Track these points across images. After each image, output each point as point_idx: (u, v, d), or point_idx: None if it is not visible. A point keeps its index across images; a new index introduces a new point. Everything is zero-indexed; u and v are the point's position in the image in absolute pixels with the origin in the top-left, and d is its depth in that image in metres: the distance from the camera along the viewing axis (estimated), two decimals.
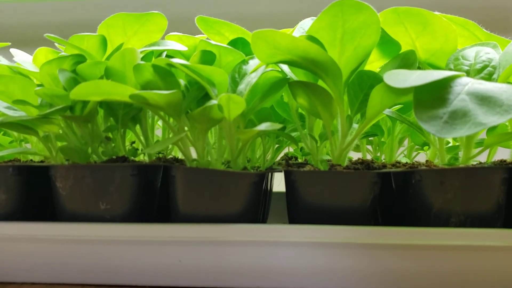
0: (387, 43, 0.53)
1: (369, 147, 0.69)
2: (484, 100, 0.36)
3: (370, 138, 0.67)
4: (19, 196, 0.52)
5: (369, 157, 0.69)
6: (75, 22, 1.17)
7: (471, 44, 0.52)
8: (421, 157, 0.68)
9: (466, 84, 0.38)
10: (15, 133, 0.63)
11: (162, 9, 0.56)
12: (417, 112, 0.37)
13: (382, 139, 0.66)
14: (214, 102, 0.44)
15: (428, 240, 0.44)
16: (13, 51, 0.60)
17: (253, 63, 0.52)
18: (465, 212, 0.46)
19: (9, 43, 0.63)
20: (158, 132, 0.63)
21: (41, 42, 0.59)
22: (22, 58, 0.58)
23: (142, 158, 0.59)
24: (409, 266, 0.45)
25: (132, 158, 0.54)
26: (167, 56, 0.53)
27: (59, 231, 0.48)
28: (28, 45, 0.79)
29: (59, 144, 0.54)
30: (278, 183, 0.70)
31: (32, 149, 0.58)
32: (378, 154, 0.67)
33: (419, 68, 0.51)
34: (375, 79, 0.49)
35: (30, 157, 0.63)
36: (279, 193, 0.72)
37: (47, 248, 0.48)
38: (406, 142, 0.69)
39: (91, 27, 0.57)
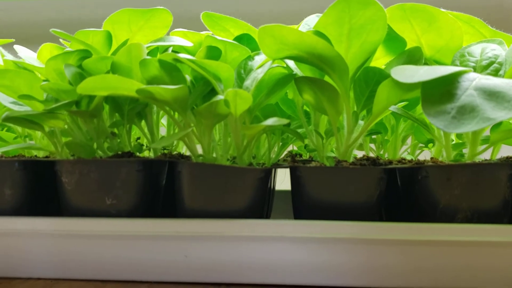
0: (392, 39, 0.53)
1: (372, 145, 0.69)
2: (492, 95, 0.36)
3: (373, 136, 0.67)
4: (24, 191, 0.52)
5: (372, 155, 0.68)
6: (78, 20, 1.17)
7: (476, 41, 0.52)
8: (424, 156, 0.68)
9: (474, 80, 0.38)
10: (19, 129, 0.62)
11: (166, 7, 0.55)
12: (425, 107, 0.37)
13: (386, 137, 0.66)
14: (220, 97, 0.44)
15: (434, 236, 0.44)
16: (16, 47, 0.60)
17: (259, 59, 0.52)
18: (471, 208, 0.46)
19: (13, 40, 0.63)
20: (162, 132, 0.63)
21: (44, 40, 0.59)
22: (26, 54, 0.58)
23: (148, 154, 0.59)
24: (414, 262, 0.45)
25: (138, 153, 0.54)
26: (172, 52, 0.53)
27: (65, 226, 0.48)
28: (31, 42, 0.79)
29: (64, 139, 0.54)
30: (281, 181, 0.70)
31: (37, 144, 0.58)
32: (382, 152, 0.67)
33: (425, 64, 0.51)
34: (381, 75, 0.49)
35: (34, 153, 0.62)
36: (280, 192, 0.71)
37: (53, 243, 0.48)
38: (409, 140, 0.69)
39: (94, 25, 0.56)
